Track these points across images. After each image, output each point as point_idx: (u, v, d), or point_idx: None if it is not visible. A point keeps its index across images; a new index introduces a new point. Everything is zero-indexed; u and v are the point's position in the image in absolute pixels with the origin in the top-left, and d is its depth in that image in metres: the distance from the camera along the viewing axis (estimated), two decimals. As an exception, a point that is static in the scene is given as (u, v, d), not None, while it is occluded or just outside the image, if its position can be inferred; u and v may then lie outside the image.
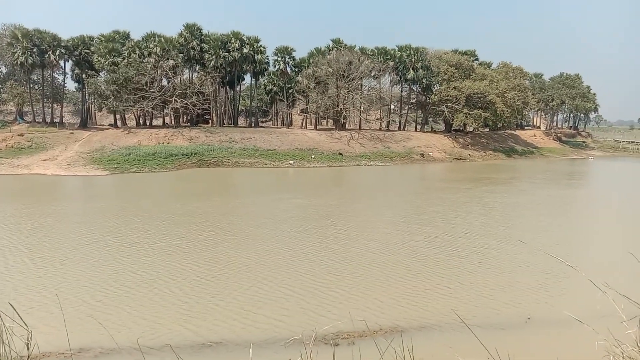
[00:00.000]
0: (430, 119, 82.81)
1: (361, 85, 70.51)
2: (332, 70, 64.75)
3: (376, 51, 72.25)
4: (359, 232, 22.36)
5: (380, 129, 75.27)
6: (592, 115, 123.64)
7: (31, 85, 66.81)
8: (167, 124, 66.20)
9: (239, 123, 73.64)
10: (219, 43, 64.02)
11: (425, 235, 21.56)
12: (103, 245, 19.08)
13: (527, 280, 15.44)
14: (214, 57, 63.57)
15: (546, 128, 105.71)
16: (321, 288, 14.52)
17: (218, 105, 69.46)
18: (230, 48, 64.23)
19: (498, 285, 14.98)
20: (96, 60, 59.58)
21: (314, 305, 13.20)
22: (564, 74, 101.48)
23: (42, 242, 19.30)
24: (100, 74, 61.61)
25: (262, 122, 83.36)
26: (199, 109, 62.42)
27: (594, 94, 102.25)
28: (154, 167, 47.07)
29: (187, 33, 64.07)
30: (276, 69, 71.73)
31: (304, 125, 74.14)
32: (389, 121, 79.17)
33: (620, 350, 2.74)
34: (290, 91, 71.76)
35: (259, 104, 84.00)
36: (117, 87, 56.61)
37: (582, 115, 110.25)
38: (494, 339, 10.89)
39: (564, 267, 15.81)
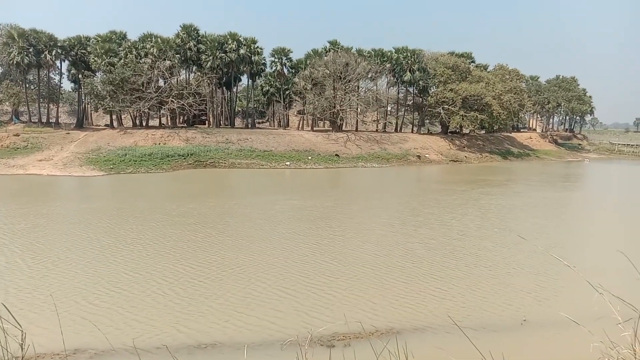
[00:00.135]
0: (427, 121, 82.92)
1: (358, 87, 70.65)
2: (329, 72, 64.83)
3: (373, 53, 72.33)
4: (354, 234, 22.35)
5: (376, 130, 75.43)
6: (587, 117, 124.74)
7: (27, 85, 66.50)
8: (163, 124, 66.01)
9: (235, 124, 73.54)
10: (216, 44, 64.00)
11: (421, 237, 21.55)
12: (98, 246, 18.97)
13: (522, 282, 15.44)
14: (210, 58, 63.53)
15: (542, 130, 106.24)
16: (316, 290, 14.47)
17: (215, 106, 69.33)
18: (227, 49, 64.21)
19: (493, 287, 14.97)
20: (92, 60, 59.44)
21: (308, 307, 13.15)
22: (560, 77, 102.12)
23: (37, 243, 19.17)
24: (97, 74, 61.49)
25: (259, 123, 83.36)
26: (195, 110, 62.36)
27: (590, 97, 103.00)
28: (150, 167, 46.93)
29: (184, 34, 64.01)
30: (273, 70, 71.68)
31: (300, 126, 74.13)
32: (385, 123, 79.35)
33: (615, 352, 2.74)
34: (287, 92, 71.75)
35: (255, 105, 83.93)
36: (113, 88, 56.51)
37: (578, 117, 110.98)
38: (488, 341, 10.89)
39: (559, 268, 15.85)
